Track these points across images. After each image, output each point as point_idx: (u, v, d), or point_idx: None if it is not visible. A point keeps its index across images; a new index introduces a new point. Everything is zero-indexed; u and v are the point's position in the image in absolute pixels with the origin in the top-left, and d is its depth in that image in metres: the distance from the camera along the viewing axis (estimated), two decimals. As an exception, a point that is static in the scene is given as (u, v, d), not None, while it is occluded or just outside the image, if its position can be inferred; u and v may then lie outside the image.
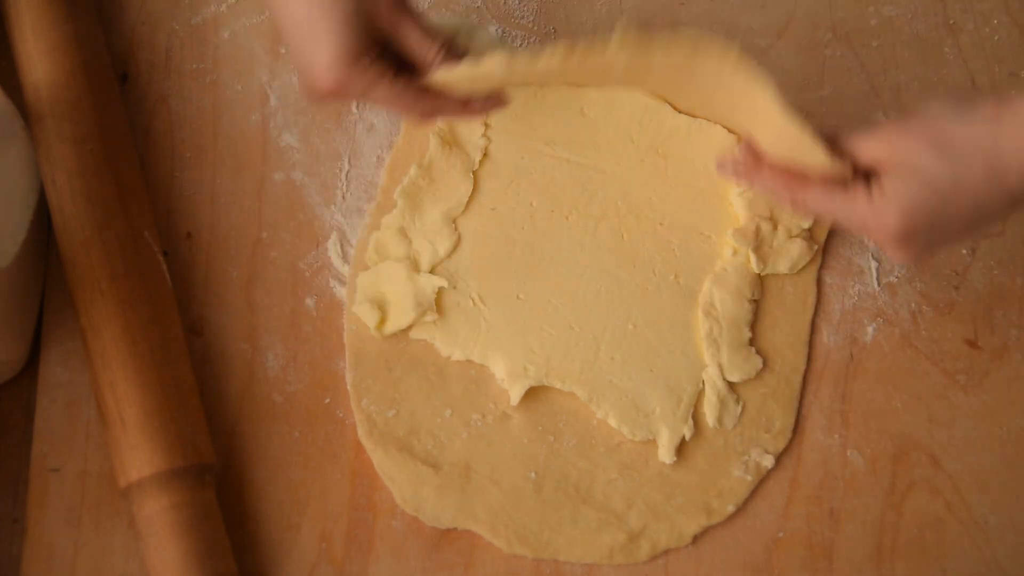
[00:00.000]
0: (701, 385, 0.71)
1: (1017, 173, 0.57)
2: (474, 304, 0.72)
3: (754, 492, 0.70)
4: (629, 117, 0.74)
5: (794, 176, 0.64)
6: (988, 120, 0.58)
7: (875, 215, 0.60)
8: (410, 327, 0.71)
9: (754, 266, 0.72)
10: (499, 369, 0.71)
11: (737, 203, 0.73)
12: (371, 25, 0.63)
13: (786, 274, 0.73)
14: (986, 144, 0.58)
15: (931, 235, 0.60)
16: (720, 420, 0.70)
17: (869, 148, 0.62)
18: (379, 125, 0.77)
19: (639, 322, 0.72)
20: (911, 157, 0.59)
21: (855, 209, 0.61)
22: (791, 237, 0.73)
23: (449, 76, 0.64)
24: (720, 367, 0.71)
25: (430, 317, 0.71)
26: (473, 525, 0.68)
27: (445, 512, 0.68)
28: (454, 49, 0.66)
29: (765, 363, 0.72)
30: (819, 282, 0.74)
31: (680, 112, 0.75)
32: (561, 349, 0.71)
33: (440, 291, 0.72)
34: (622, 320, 0.72)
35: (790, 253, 0.73)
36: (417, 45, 0.65)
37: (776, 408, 0.71)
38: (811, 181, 0.63)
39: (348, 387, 0.71)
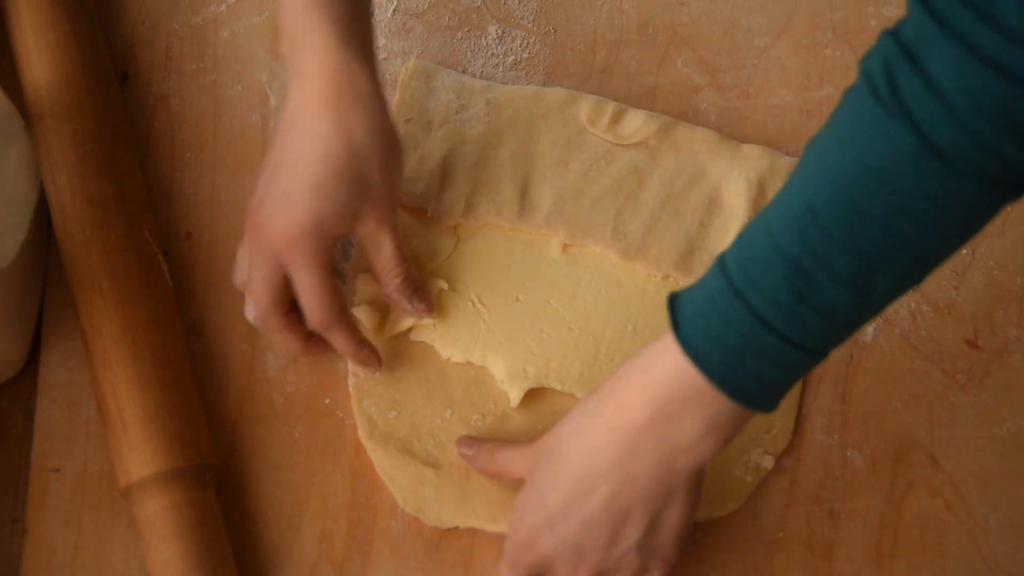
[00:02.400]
0: None
1: (607, 442, 0.57)
2: (473, 306, 0.72)
3: (754, 492, 0.70)
4: None
5: None
6: (582, 412, 0.59)
7: (508, 542, 0.62)
8: (410, 329, 0.71)
9: None
10: (499, 371, 0.70)
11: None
12: (353, 223, 0.64)
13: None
14: (575, 430, 0.59)
15: (557, 536, 0.59)
16: None
17: (512, 467, 0.64)
18: (379, 125, 0.77)
19: (639, 324, 0.72)
20: (530, 472, 0.61)
21: (505, 550, 0.62)
22: None
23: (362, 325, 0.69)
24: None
25: (429, 320, 0.71)
26: (474, 521, 0.68)
27: (446, 512, 0.68)
28: (412, 282, 0.68)
29: (765, 363, 0.72)
30: (819, 282, 0.74)
31: None
32: (560, 351, 0.71)
33: (439, 293, 0.72)
34: (622, 322, 0.72)
35: None
36: (385, 263, 0.67)
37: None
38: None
39: (349, 388, 0.71)
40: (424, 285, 0.70)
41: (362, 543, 0.69)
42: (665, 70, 0.79)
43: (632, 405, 0.56)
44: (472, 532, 0.69)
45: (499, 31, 0.79)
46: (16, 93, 0.72)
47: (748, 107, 0.78)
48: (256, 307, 0.67)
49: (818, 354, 0.53)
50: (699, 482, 0.59)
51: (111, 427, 0.66)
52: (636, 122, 0.75)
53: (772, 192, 0.74)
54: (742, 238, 0.54)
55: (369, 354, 0.68)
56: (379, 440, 0.69)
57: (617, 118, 0.75)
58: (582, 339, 0.71)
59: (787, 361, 0.53)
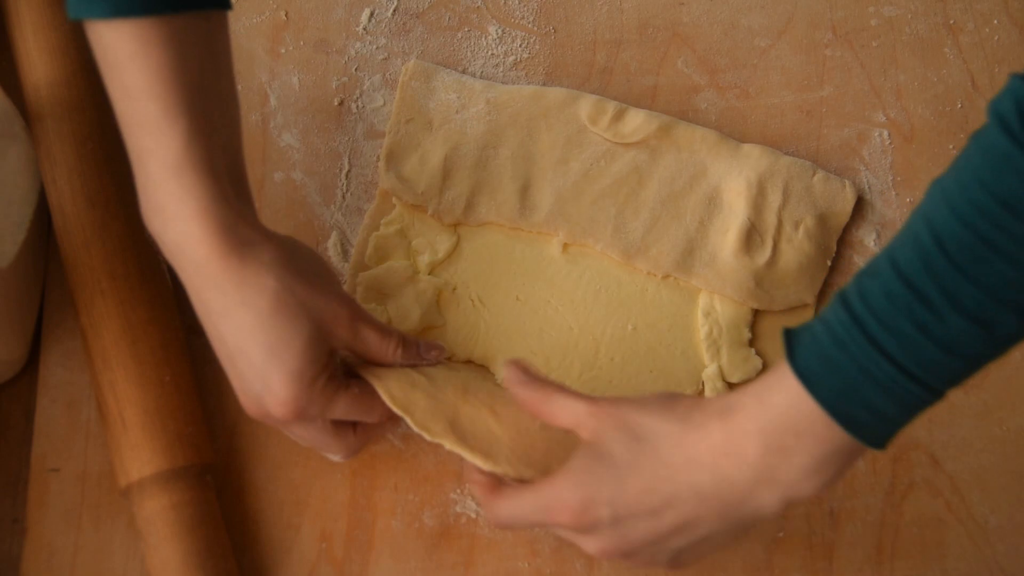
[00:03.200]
0: (701, 386, 0.71)
1: (707, 461, 0.55)
2: (473, 305, 0.72)
3: (754, 492, 0.70)
4: None
5: (486, 487, 0.61)
6: (679, 418, 0.57)
7: (549, 505, 0.58)
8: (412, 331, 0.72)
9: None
10: (499, 371, 0.70)
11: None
12: (328, 344, 0.61)
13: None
14: (670, 431, 0.56)
15: (615, 521, 0.56)
16: None
17: (565, 415, 0.60)
18: (379, 125, 0.77)
19: (639, 323, 0.72)
20: (593, 440, 0.58)
21: (533, 506, 0.58)
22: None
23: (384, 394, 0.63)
24: (720, 368, 0.71)
25: (439, 322, 0.71)
26: (463, 449, 0.62)
27: (435, 423, 0.63)
28: (409, 342, 0.65)
29: (765, 364, 0.72)
30: (819, 282, 0.74)
31: None
32: (560, 350, 0.71)
33: (440, 292, 0.72)
34: (622, 321, 0.72)
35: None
36: (377, 349, 0.63)
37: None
38: (499, 491, 0.61)
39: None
40: (420, 335, 0.70)
41: (362, 543, 0.69)
42: (665, 70, 0.79)
43: (746, 432, 0.54)
44: (472, 532, 0.69)
45: (499, 31, 0.79)
46: (16, 93, 0.72)
47: (748, 107, 0.78)
48: (344, 452, 0.66)
49: (934, 391, 0.52)
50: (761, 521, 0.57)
51: (111, 427, 0.66)
52: (636, 121, 0.75)
53: (772, 192, 0.74)
54: (865, 271, 0.53)
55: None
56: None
57: (618, 117, 0.75)
58: (582, 338, 0.72)
59: (903, 394, 0.51)
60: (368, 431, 0.67)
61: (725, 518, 0.56)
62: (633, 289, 0.73)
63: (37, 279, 0.72)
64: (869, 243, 0.75)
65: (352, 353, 0.64)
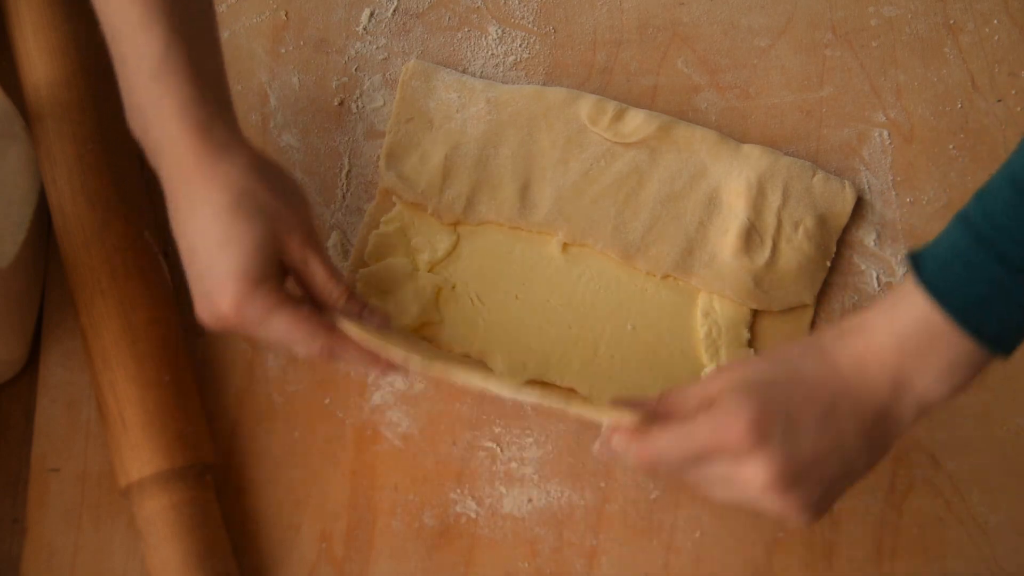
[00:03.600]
0: None
1: (849, 366, 0.57)
2: (472, 303, 0.72)
3: (754, 492, 0.70)
4: None
5: (627, 432, 0.59)
6: (811, 342, 0.59)
7: (719, 422, 0.57)
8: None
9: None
10: (497, 365, 0.70)
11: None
12: (279, 255, 0.61)
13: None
14: (808, 351, 0.59)
15: (789, 429, 0.56)
16: None
17: (700, 389, 0.59)
18: (379, 125, 0.77)
19: (638, 323, 0.72)
20: (744, 373, 0.58)
21: (698, 429, 0.57)
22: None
23: (357, 334, 0.61)
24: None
25: (437, 318, 0.71)
26: (457, 372, 0.62)
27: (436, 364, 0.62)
28: (357, 296, 0.64)
29: (765, 363, 0.72)
30: (819, 282, 0.74)
31: None
32: (560, 347, 0.71)
33: (439, 290, 0.72)
34: (621, 321, 0.72)
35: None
36: (323, 286, 0.63)
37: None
38: (648, 430, 0.59)
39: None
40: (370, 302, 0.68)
41: (362, 543, 0.69)
42: (665, 70, 0.79)
43: (882, 343, 0.57)
44: (472, 532, 0.69)
45: (499, 31, 0.79)
46: (16, 93, 0.72)
47: (748, 107, 0.78)
48: (305, 350, 0.62)
49: None
50: (896, 440, 0.59)
51: (111, 427, 0.66)
52: (636, 121, 0.75)
53: (771, 192, 0.74)
54: (983, 193, 0.56)
55: (387, 364, 0.64)
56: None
57: (618, 117, 0.75)
58: (581, 337, 0.72)
59: None
60: (344, 344, 0.63)
61: (869, 436, 0.58)
62: (632, 289, 0.73)
63: (37, 279, 0.72)
64: (869, 243, 0.75)
65: (299, 283, 0.63)
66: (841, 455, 0.58)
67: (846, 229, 0.75)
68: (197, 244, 0.60)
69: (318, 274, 0.63)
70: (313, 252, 0.62)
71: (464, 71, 0.78)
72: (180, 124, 0.59)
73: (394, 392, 0.71)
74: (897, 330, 0.57)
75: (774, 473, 0.56)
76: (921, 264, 0.57)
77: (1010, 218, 0.54)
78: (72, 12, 0.74)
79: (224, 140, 0.60)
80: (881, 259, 0.75)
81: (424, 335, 0.72)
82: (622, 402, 0.60)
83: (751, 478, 0.57)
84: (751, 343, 0.72)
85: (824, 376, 0.58)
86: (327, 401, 0.71)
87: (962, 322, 0.55)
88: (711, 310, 0.72)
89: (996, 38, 0.79)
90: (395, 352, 0.61)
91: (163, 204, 0.74)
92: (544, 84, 0.78)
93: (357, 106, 0.77)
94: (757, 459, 0.56)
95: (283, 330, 0.61)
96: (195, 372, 0.70)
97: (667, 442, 0.58)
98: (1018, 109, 0.78)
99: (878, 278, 0.74)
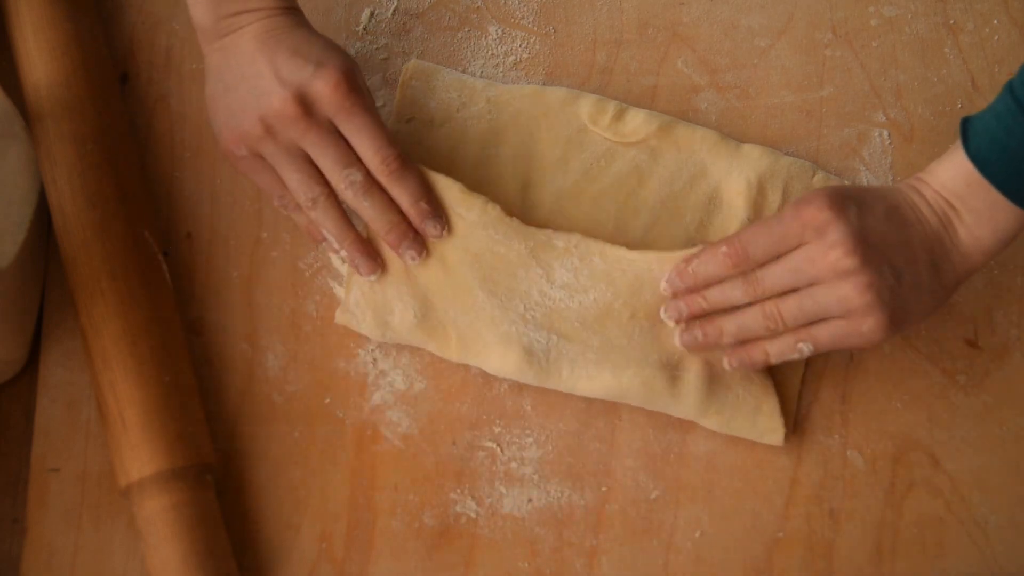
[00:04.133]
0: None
1: (896, 210, 0.66)
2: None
3: (754, 492, 0.70)
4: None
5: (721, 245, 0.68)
6: (872, 188, 0.69)
7: (799, 205, 0.65)
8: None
9: None
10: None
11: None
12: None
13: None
14: (869, 189, 0.68)
15: (862, 210, 0.65)
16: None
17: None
18: (379, 125, 0.77)
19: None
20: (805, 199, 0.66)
21: (782, 214, 0.66)
22: None
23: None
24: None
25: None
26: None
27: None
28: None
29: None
30: (819, 282, 0.74)
31: None
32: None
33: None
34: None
35: None
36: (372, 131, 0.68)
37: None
38: (740, 234, 0.68)
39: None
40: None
41: (362, 543, 0.69)
42: (665, 70, 0.79)
43: (928, 192, 0.66)
44: (472, 532, 0.69)
45: (499, 31, 0.79)
46: (16, 93, 0.72)
47: (748, 107, 0.78)
48: (381, 156, 0.68)
49: None
50: (955, 287, 0.67)
51: (111, 427, 0.66)
52: (637, 121, 0.75)
53: (772, 192, 0.74)
54: None
55: (435, 211, 0.70)
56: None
57: (618, 117, 0.75)
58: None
59: None
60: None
61: (931, 251, 0.65)
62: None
63: (37, 279, 0.72)
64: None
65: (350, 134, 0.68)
66: (908, 253, 0.65)
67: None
68: (301, 48, 0.67)
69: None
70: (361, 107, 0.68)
71: (464, 71, 0.78)
72: (256, 16, 0.67)
73: (394, 392, 0.72)
74: (943, 186, 0.65)
75: (851, 236, 0.63)
76: (969, 132, 0.64)
77: None
78: (72, 12, 0.74)
79: (296, 20, 0.69)
80: (881, 259, 0.75)
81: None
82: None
83: (825, 247, 0.64)
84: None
85: (889, 191, 0.67)
86: (327, 401, 0.71)
87: (999, 186, 0.63)
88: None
89: (996, 38, 0.79)
90: (448, 183, 0.70)
91: (163, 204, 0.75)
92: (544, 84, 0.78)
93: (357, 106, 0.77)
94: (827, 236, 0.64)
95: (368, 126, 0.67)
96: (195, 372, 0.70)
97: (754, 231, 0.66)
98: (1018, 109, 0.78)
99: (878, 278, 0.74)
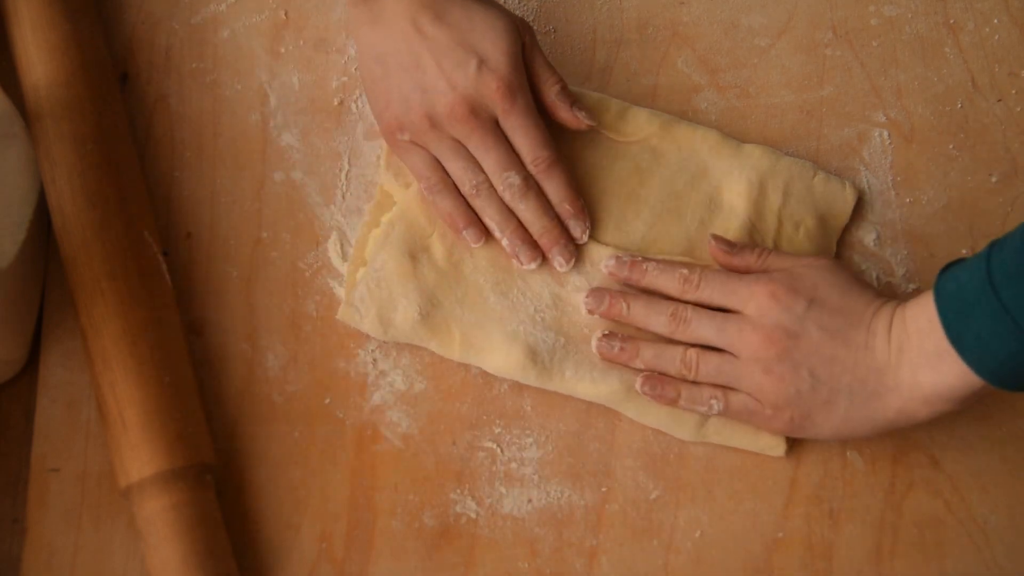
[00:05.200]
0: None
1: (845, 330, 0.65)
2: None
3: (754, 492, 0.70)
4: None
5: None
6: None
7: (760, 279, 0.67)
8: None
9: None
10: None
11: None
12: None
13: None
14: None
15: (811, 309, 0.65)
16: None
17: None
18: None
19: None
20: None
21: (742, 280, 0.67)
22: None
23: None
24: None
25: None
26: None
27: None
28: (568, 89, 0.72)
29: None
30: (819, 282, 0.74)
31: None
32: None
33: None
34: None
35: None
36: (546, 76, 0.71)
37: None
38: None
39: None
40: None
41: (362, 543, 0.69)
42: (665, 70, 0.79)
43: (891, 330, 0.64)
44: (472, 532, 0.69)
45: (499, 31, 0.79)
46: (16, 93, 0.72)
47: (748, 107, 0.78)
48: (541, 133, 0.71)
49: None
50: (887, 426, 0.65)
51: (111, 427, 0.66)
52: (639, 119, 0.75)
53: (772, 192, 0.74)
54: (1007, 243, 0.59)
55: (577, 212, 0.72)
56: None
57: (620, 115, 0.75)
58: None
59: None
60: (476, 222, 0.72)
61: (863, 379, 0.64)
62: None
63: (37, 279, 0.72)
64: (869, 243, 0.75)
65: (522, 72, 0.70)
66: (834, 370, 0.64)
67: (846, 229, 0.75)
68: (463, 29, 0.68)
69: (542, 65, 0.71)
70: (537, 49, 0.71)
71: (464, 71, 0.78)
72: None
73: (394, 392, 0.72)
74: (904, 328, 0.63)
75: (782, 329, 0.65)
76: (940, 285, 0.62)
77: (1017, 266, 0.57)
78: (72, 12, 0.74)
79: None
80: (881, 259, 0.75)
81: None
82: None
83: (762, 328, 0.65)
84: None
85: (861, 305, 0.65)
86: (327, 401, 0.71)
87: (994, 383, 0.60)
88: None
89: (996, 38, 0.79)
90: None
91: (163, 204, 0.75)
92: (544, 84, 0.78)
93: (357, 106, 0.77)
94: (774, 314, 0.65)
95: (525, 127, 0.69)
96: (195, 372, 0.70)
97: (717, 274, 0.68)
98: (1018, 109, 0.78)
99: (878, 278, 0.74)
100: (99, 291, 0.68)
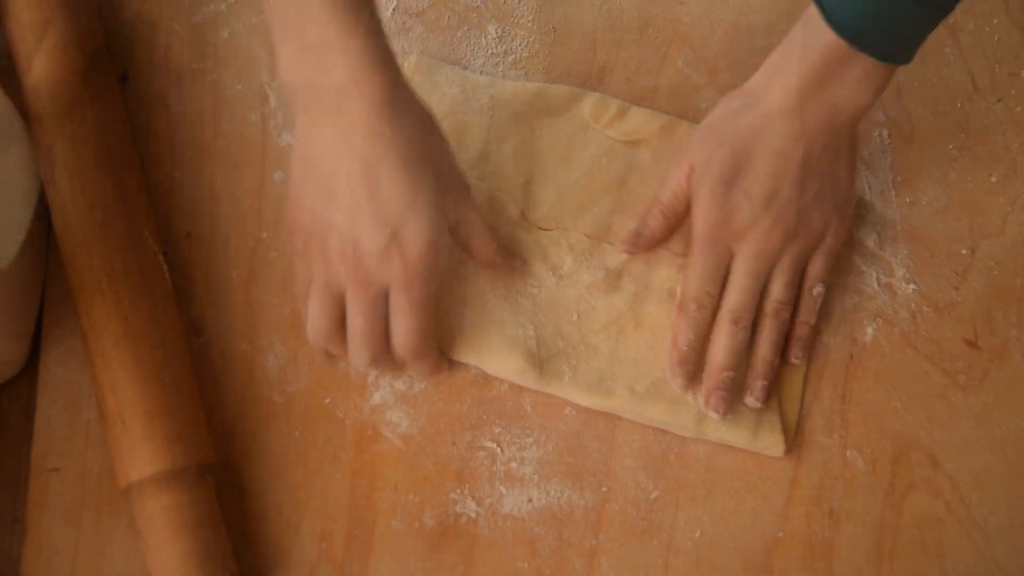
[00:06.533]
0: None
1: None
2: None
3: (754, 492, 0.70)
4: None
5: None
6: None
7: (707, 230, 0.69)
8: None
9: None
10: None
11: None
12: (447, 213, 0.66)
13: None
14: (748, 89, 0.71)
15: (739, 187, 0.68)
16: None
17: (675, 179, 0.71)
18: (379, 125, 0.77)
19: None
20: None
21: (709, 241, 0.69)
22: None
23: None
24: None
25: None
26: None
27: None
28: (504, 249, 0.71)
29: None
30: (819, 282, 0.74)
31: None
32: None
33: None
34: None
35: None
36: (480, 241, 0.69)
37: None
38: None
39: None
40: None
41: (362, 543, 0.69)
42: (665, 70, 0.79)
43: (799, 80, 0.66)
44: (472, 532, 0.69)
45: (499, 30, 0.79)
46: (16, 93, 0.72)
47: (748, 107, 0.78)
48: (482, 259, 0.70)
49: (947, 7, 0.63)
50: (856, 142, 0.70)
51: (111, 427, 0.66)
52: (639, 119, 0.75)
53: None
54: None
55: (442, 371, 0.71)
56: None
57: (620, 115, 0.75)
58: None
59: (928, 19, 0.64)
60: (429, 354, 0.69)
61: (823, 144, 0.67)
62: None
63: (37, 279, 0.72)
64: (869, 243, 0.75)
65: (455, 236, 0.68)
66: (817, 170, 0.68)
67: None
68: (380, 188, 0.62)
69: (477, 231, 0.69)
70: (472, 211, 0.68)
71: (464, 70, 0.78)
72: (370, 67, 0.61)
73: (394, 392, 0.72)
74: (807, 66, 0.66)
75: (772, 231, 0.68)
76: (826, 8, 0.64)
77: None
78: (71, 11, 0.74)
79: (406, 91, 0.64)
80: (881, 259, 0.75)
81: None
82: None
83: (749, 232, 0.68)
84: (751, 343, 0.72)
85: (762, 119, 0.69)
86: (327, 401, 0.71)
87: (867, 51, 0.63)
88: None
89: (996, 38, 0.79)
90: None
91: (163, 204, 0.75)
92: (544, 83, 0.78)
93: (357, 106, 0.77)
94: (740, 216, 0.68)
95: (414, 312, 0.66)
96: (195, 372, 0.70)
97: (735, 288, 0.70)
98: (1018, 109, 0.78)
99: (878, 279, 0.74)
100: (99, 291, 0.68)
